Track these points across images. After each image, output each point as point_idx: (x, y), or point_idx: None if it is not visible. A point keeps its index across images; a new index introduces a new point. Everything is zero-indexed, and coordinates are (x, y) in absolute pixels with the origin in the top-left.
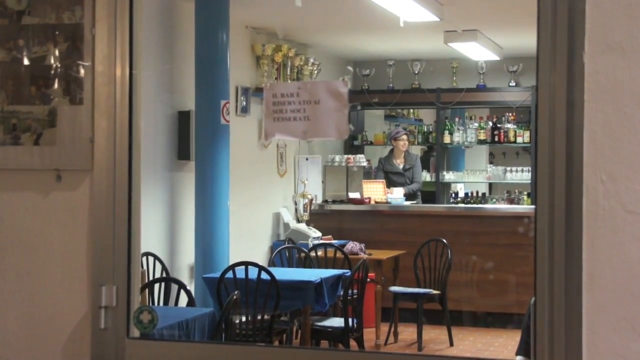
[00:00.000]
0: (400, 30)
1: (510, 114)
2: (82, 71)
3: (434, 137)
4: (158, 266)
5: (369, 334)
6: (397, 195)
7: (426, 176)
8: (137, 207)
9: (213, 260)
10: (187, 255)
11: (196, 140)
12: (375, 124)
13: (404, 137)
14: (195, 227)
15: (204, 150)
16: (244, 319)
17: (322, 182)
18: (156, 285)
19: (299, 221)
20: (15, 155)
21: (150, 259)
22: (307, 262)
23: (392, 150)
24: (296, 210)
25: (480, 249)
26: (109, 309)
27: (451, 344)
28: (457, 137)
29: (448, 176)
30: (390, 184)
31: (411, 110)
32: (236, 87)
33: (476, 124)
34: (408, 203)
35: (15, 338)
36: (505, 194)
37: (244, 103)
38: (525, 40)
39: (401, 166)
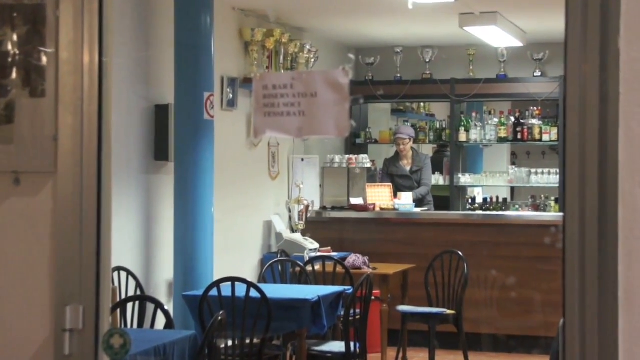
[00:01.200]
0: (410, 13)
1: (535, 108)
2: (44, 59)
3: (448, 134)
4: (132, 283)
5: None
6: (405, 201)
7: (439, 179)
8: (108, 215)
9: (195, 276)
10: (165, 270)
11: (176, 139)
12: (380, 120)
13: (402, 140)
14: (175, 237)
15: (185, 149)
16: (230, 343)
17: (320, 186)
18: (129, 305)
19: (293, 231)
20: None
21: (123, 274)
22: (302, 278)
23: (397, 152)
24: (290, 218)
25: (501, 262)
26: (74, 332)
27: None
28: (475, 134)
29: (464, 179)
30: (397, 188)
31: (422, 104)
32: (222, 78)
33: (496, 120)
34: (418, 210)
35: None
36: (530, 200)
37: (231, 96)
38: (552, 23)
39: (408, 168)
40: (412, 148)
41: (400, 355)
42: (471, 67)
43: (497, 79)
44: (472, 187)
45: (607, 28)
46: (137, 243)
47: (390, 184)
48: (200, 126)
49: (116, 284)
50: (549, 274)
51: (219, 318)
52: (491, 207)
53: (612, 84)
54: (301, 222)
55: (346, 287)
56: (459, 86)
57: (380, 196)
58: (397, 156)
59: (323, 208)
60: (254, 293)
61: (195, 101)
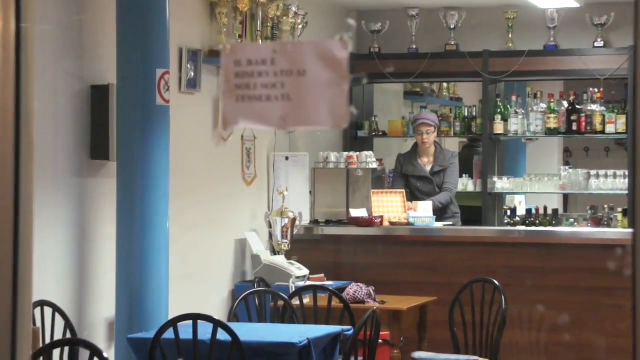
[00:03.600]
0: None
1: (596, 90)
2: None
3: (479, 125)
4: (59, 322)
5: None
6: (423, 212)
7: (467, 184)
8: (28, 232)
9: (144, 313)
10: (104, 305)
11: (119, 130)
12: (390, 106)
13: (427, 127)
14: (117, 262)
15: (131, 145)
16: None
17: (310, 192)
18: (56, 352)
19: (274, 252)
20: None
21: (48, 311)
22: (287, 315)
23: (416, 145)
24: (271, 235)
25: (551, 294)
26: None
27: None
28: (515, 124)
29: (501, 184)
30: (413, 194)
31: (444, 85)
32: (180, 50)
33: (543, 105)
34: (440, 225)
35: None
36: (589, 212)
37: (192, 74)
38: None
39: (429, 168)
40: (435, 142)
41: None
42: (510, 36)
43: (545, 51)
44: (512, 195)
45: None
46: (67, 269)
47: (403, 190)
48: (151, 114)
49: (38, 323)
50: (615, 310)
51: None
52: (537, 222)
53: None
54: (285, 240)
55: (345, 327)
56: (494, 61)
57: (390, 206)
58: (415, 152)
59: (314, 222)
60: (222, 335)
61: (145, 81)
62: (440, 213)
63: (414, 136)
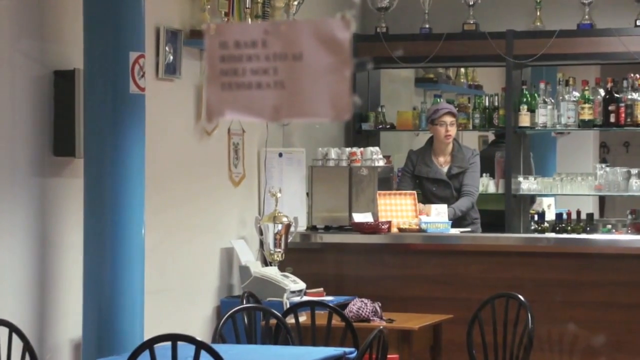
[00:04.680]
0: None
1: (638, 76)
2: None
3: (502, 116)
4: (17, 343)
5: None
6: (437, 217)
7: (488, 184)
8: None
9: (115, 333)
10: (68, 324)
11: (86, 123)
12: (399, 94)
13: (449, 117)
14: (84, 274)
15: (101, 139)
16: None
17: (307, 194)
18: None
19: (266, 263)
20: None
21: (3, 331)
22: (280, 335)
23: (431, 141)
24: (262, 243)
25: (585, 312)
26: None
27: None
28: (543, 116)
29: (527, 185)
30: (426, 198)
31: (462, 71)
32: (156, 30)
33: (577, 94)
34: (457, 232)
35: None
36: (629, 217)
37: (171, 57)
38: None
39: (446, 168)
40: (454, 139)
41: None
42: (538, 14)
43: (579, 30)
44: (540, 197)
45: None
46: (26, 283)
47: (414, 191)
48: (123, 104)
49: None
50: None
51: None
52: (568, 228)
53: None
54: (278, 250)
55: (347, 350)
56: (520, 42)
57: (399, 210)
58: (430, 149)
59: (312, 228)
60: (206, 358)
61: (116, 66)
62: (458, 219)
63: (431, 129)
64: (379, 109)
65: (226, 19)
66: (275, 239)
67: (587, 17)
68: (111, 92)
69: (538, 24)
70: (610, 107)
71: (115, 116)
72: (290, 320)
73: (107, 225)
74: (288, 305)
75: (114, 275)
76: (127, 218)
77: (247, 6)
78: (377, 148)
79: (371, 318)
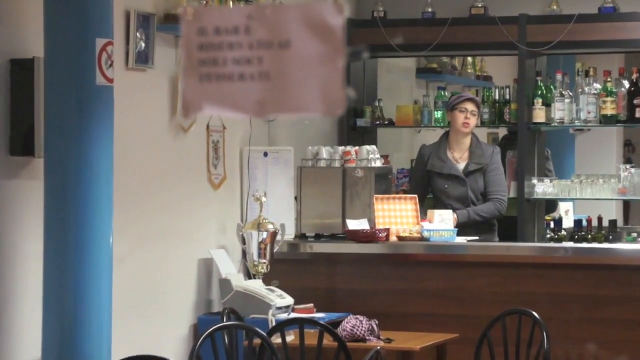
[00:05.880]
0: None
1: None
2: None
3: (514, 111)
4: None
5: None
6: (440, 223)
7: None
8: None
9: (79, 354)
10: (25, 344)
11: (47, 118)
12: (398, 86)
13: (471, 105)
14: (44, 288)
15: (64, 137)
16: None
17: (296, 198)
18: None
19: (249, 276)
20: None
21: None
22: (265, 357)
23: (447, 135)
24: (244, 254)
25: (606, 330)
26: None
27: None
28: (560, 110)
29: (542, 188)
30: (438, 198)
31: (469, 60)
32: (126, 14)
33: (598, 86)
34: (463, 240)
35: None
36: None
37: (143, 45)
38: None
39: (462, 165)
40: (473, 134)
41: None
42: None
43: (600, 15)
44: (557, 201)
45: None
46: None
47: (416, 194)
48: (89, 97)
49: None
50: None
51: None
52: (589, 236)
53: None
54: (263, 261)
55: None
56: (534, 28)
57: (398, 216)
58: (445, 143)
59: (301, 237)
60: None
61: (81, 54)
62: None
63: (449, 116)
64: (376, 103)
65: (205, 2)
66: (259, 248)
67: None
68: (75, 84)
69: (554, 7)
70: (636, 101)
71: (80, 111)
72: (277, 339)
73: (70, 233)
74: (274, 323)
75: (77, 289)
76: (93, 225)
77: None
78: (373, 147)
79: (367, 337)
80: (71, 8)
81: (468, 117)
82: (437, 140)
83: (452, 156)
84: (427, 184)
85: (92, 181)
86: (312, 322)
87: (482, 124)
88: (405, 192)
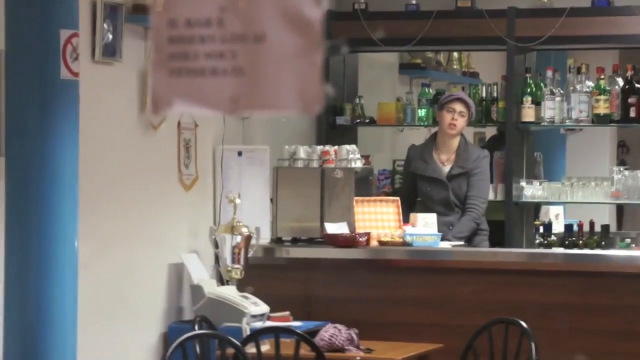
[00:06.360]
0: None
1: None
2: None
3: (502, 110)
4: None
5: None
6: (423, 228)
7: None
8: None
9: None
10: None
11: (7, 113)
12: (380, 83)
13: (460, 105)
14: (5, 294)
15: (25, 134)
16: None
17: (272, 200)
18: None
19: (222, 282)
20: None
21: None
22: None
23: (434, 137)
24: (217, 258)
25: (597, 341)
26: None
27: None
28: (551, 109)
29: (530, 190)
30: (423, 201)
31: (454, 55)
32: (93, 4)
33: (590, 84)
34: (447, 245)
35: None
36: None
37: (110, 36)
38: None
39: (447, 168)
40: (462, 136)
41: None
42: None
43: (593, 8)
44: (546, 205)
45: None
46: None
47: (398, 197)
48: (53, 91)
49: None
50: None
51: None
52: (580, 242)
53: None
54: (237, 266)
55: None
56: (523, 23)
57: (379, 220)
58: (432, 144)
59: (277, 241)
60: None
61: (45, 46)
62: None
63: (437, 116)
64: (357, 100)
65: None
66: (233, 253)
67: None
68: (38, 78)
69: (545, 0)
70: (630, 100)
71: (43, 106)
72: (251, 349)
73: (32, 236)
74: (248, 332)
75: (40, 295)
76: (57, 228)
77: None
78: (354, 146)
79: (346, 347)
80: None
81: (455, 118)
82: (427, 139)
83: (439, 158)
84: (412, 187)
85: (56, 181)
86: (288, 331)
87: (470, 122)
88: (387, 194)
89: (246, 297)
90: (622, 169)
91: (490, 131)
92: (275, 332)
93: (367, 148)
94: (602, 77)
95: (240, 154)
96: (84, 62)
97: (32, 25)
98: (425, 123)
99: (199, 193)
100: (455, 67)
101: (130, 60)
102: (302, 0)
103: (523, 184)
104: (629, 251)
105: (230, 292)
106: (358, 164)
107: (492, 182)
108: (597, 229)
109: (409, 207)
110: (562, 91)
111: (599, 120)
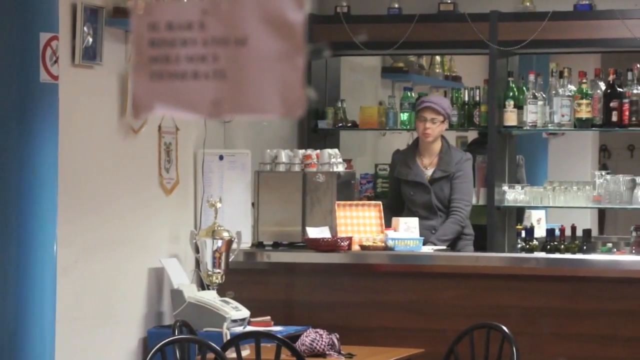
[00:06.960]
0: None
1: None
2: None
3: (484, 114)
4: None
5: None
6: (405, 232)
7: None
8: None
9: None
10: None
11: None
12: (362, 87)
13: (432, 113)
14: None
15: (4, 137)
16: None
17: (253, 204)
18: None
19: (203, 286)
20: None
21: None
22: None
23: (417, 141)
24: (198, 263)
25: (580, 346)
26: None
27: None
28: (533, 113)
29: (512, 195)
30: (407, 206)
31: (437, 59)
32: (73, 7)
33: (573, 88)
34: (429, 249)
35: None
36: (634, 233)
37: (90, 40)
38: None
39: (429, 172)
40: (443, 139)
41: None
42: None
43: (576, 12)
44: (528, 210)
45: None
46: None
47: (380, 202)
48: (33, 95)
49: None
50: None
51: None
52: (562, 247)
53: None
54: (218, 270)
55: None
56: (505, 26)
57: (361, 224)
58: (415, 149)
59: (258, 245)
60: None
61: (24, 49)
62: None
63: (415, 124)
64: (339, 104)
65: None
66: (214, 257)
67: None
68: (17, 81)
69: (527, 4)
70: (612, 104)
71: (22, 110)
72: (231, 354)
73: (11, 240)
74: (228, 337)
75: (18, 300)
76: (35, 233)
77: None
78: (336, 150)
79: (327, 352)
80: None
81: (428, 127)
82: (411, 144)
83: (421, 163)
84: (397, 191)
85: (35, 185)
86: (269, 336)
87: (451, 127)
88: (369, 198)
89: (227, 302)
90: (603, 173)
91: (472, 135)
92: (256, 337)
93: (349, 152)
94: (584, 81)
95: (221, 157)
96: (64, 65)
97: (11, 28)
98: (408, 127)
99: (179, 197)
100: (437, 70)
101: (110, 63)
102: (284, 4)
103: (505, 188)
104: (611, 255)
105: (210, 297)
106: (340, 168)
107: (474, 186)
108: (579, 233)
109: (396, 213)
110: (544, 95)
111: (581, 124)
